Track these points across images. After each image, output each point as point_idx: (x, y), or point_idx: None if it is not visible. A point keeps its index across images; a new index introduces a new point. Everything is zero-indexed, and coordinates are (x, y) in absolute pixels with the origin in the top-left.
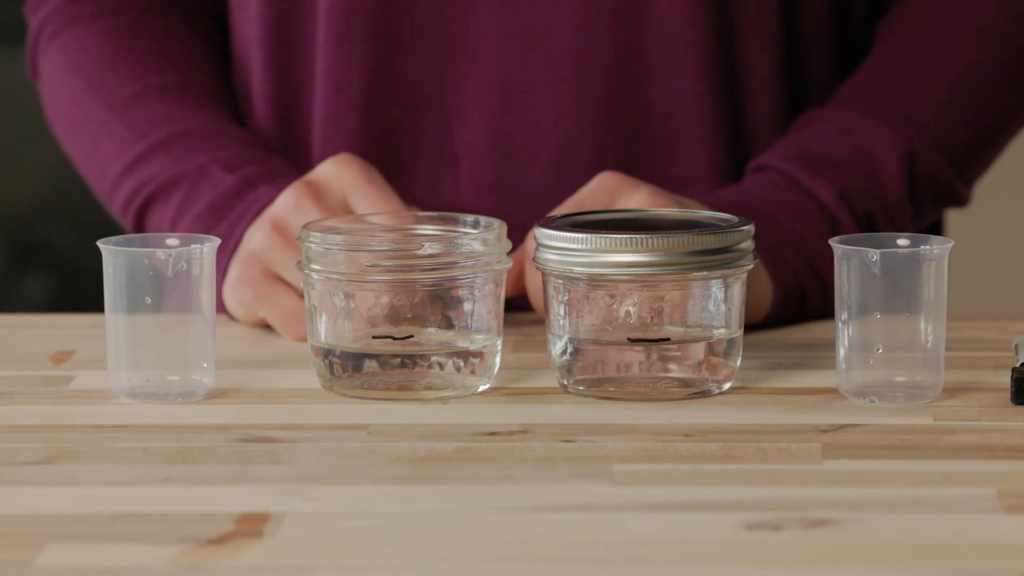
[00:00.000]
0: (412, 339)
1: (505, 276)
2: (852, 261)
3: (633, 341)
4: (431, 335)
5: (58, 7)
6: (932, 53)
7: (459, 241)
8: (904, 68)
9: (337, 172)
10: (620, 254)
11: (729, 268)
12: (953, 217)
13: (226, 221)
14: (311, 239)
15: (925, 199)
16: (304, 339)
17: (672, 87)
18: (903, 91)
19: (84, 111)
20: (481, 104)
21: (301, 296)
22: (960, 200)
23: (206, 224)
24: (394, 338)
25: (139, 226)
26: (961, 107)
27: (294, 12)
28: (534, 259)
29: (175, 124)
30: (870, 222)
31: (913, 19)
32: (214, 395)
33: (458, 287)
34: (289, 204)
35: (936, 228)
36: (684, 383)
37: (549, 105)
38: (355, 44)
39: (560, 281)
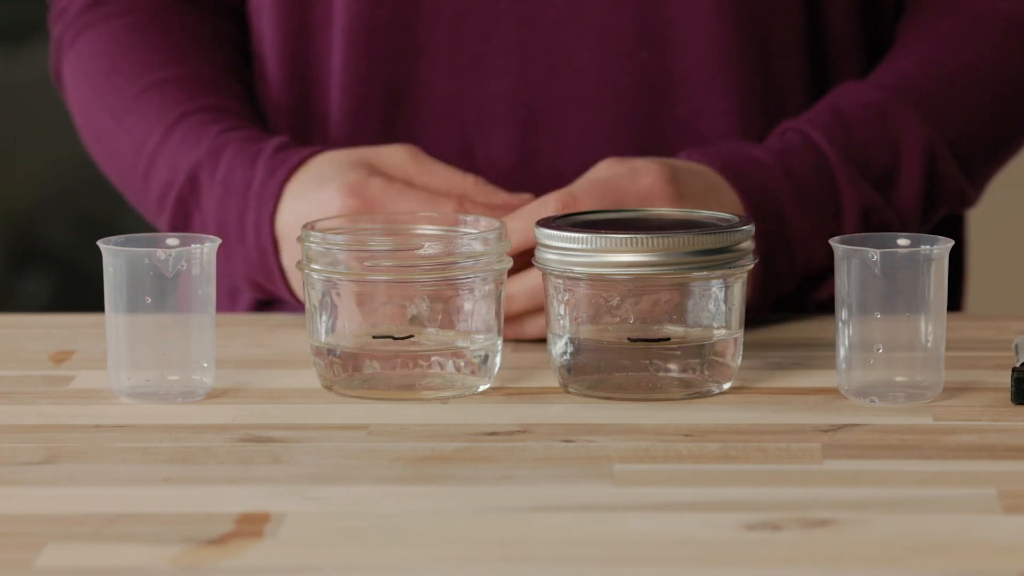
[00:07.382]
0: (412, 339)
1: (505, 276)
2: (852, 261)
3: (633, 341)
4: (431, 335)
5: (77, 13)
6: (967, 46)
7: (459, 241)
8: (941, 59)
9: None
10: (620, 254)
11: (729, 268)
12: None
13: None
14: (311, 239)
15: (936, 199)
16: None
17: (698, 106)
18: (939, 84)
19: (95, 121)
20: (503, 122)
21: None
22: (967, 202)
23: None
24: (394, 338)
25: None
26: (988, 109)
27: (311, 28)
28: (533, 259)
29: (168, 116)
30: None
31: (946, 5)
32: (214, 395)
33: (458, 287)
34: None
35: (954, 225)
36: (684, 383)
37: (574, 123)
38: (375, 62)
39: (560, 281)
